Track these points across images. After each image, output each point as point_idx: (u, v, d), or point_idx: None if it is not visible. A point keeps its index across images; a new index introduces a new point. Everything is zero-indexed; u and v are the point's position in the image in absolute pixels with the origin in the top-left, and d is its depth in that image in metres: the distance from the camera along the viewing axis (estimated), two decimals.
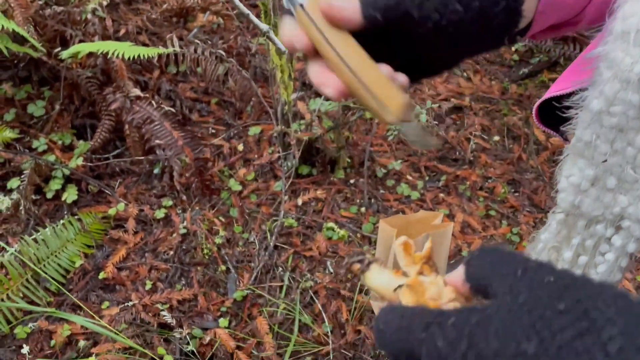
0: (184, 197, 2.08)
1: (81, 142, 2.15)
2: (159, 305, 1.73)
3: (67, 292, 1.76)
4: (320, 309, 1.79)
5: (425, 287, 0.36)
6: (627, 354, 0.26)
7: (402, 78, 0.40)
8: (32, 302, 1.72)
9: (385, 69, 0.40)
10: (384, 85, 0.38)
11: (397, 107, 0.38)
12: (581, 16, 0.48)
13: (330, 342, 1.70)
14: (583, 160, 0.46)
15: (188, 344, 1.65)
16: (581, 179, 0.46)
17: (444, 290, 0.36)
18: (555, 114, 0.52)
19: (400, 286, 0.37)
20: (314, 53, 0.39)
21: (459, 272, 0.36)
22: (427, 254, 0.39)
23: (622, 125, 0.42)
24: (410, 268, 0.39)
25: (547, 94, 0.54)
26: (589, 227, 0.48)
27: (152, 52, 1.95)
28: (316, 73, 0.40)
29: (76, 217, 1.94)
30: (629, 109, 0.41)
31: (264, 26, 2.00)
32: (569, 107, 0.47)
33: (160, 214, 2.02)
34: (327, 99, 2.08)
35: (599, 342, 0.26)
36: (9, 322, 1.67)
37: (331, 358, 1.67)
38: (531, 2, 0.41)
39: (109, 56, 2.00)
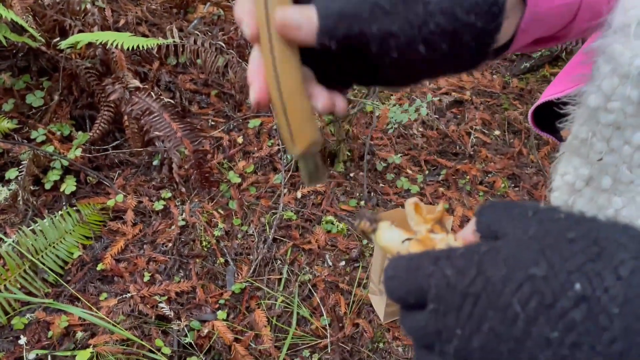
0: (183, 189, 2.07)
1: (80, 133, 2.15)
2: (157, 297, 1.73)
3: (65, 284, 1.76)
4: (319, 302, 1.78)
5: (436, 242, 0.36)
6: (638, 276, 0.25)
7: (341, 104, 0.39)
8: (29, 293, 1.72)
9: (321, 95, 0.38)
10: (302, 118, 0.37)
11: (303, 143, 0.38)
12: (566, 31, 0.46)
13: (328, 335, 1.70)
14: (578, 159, 0.44)
15: (186, 336, 1.65)
16: (575, 178, 0.45)
17: (454, 246, 0.36)
18: (552, 114, 0.51)
19: (409, 239, 0.37)
20: (258, 42, 0.37)
21: (470, 224, 0.37)
22: (439, 215, 0.39)
23: (619, 123, 0.41)
24: (421, 227, 0.39)
25: (542, 98, 0.53)
26: None
27: (151, 43, 1.94)
28: (253, 66, 0.38)
29: (74, 208, 1.94)
30: (627, 105, 0.40)
31: None
32: (566, 104, 0.46)
33: (159, 205, 2.01)
34: None
35: (610, 266, 0.26)
36: (6, 313, 1.67)
37: (329, 351, 1.67)
38: (510, 26, 0.39)
39: (108, 47, 1.99)
